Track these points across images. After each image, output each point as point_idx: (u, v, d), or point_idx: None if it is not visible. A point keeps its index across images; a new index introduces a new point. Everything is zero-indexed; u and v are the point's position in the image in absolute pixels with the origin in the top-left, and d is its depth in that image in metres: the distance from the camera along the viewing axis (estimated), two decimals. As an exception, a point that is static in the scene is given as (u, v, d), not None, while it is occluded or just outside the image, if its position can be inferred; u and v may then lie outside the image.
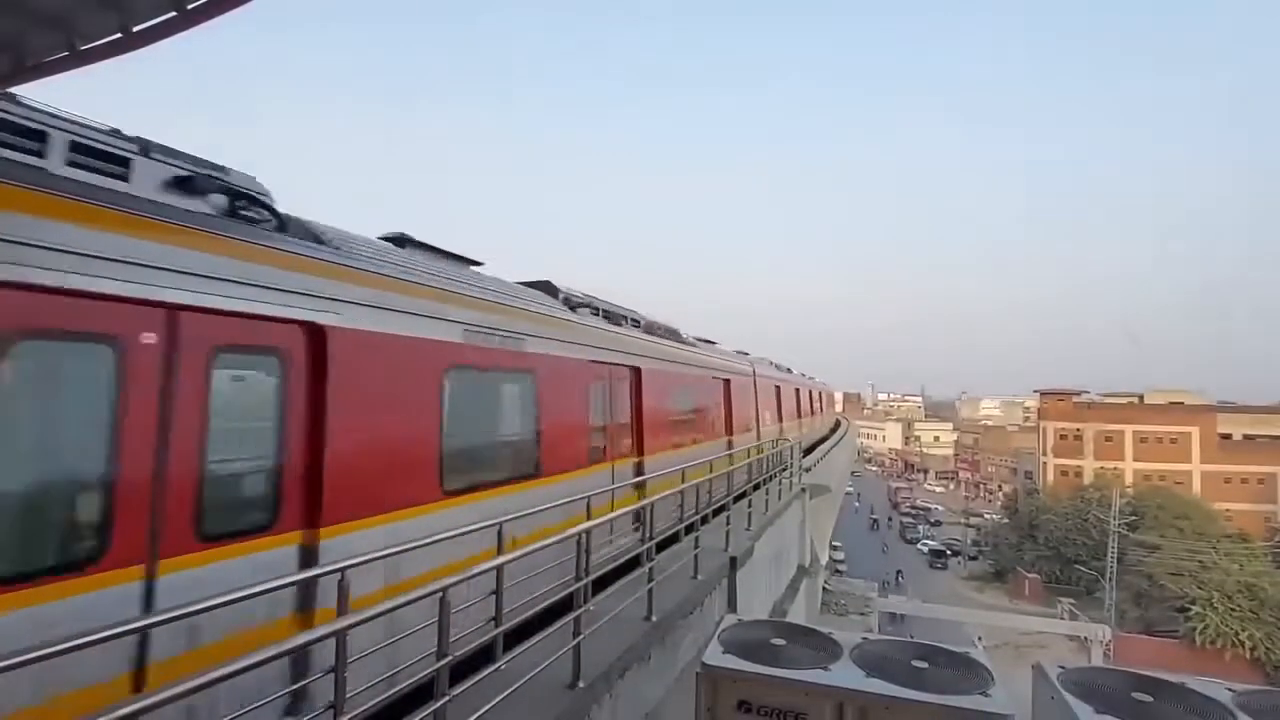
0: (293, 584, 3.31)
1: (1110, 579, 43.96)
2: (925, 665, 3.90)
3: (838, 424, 40.43)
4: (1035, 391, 70.24)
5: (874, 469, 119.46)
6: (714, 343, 16.87)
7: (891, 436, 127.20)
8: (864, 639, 4.36)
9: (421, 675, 3.51)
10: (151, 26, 2.88)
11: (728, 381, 15.72)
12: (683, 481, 8.18)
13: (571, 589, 4.91)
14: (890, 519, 77.20)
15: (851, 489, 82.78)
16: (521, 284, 7.82)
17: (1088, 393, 65.09)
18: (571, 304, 8.27)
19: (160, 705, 2.09)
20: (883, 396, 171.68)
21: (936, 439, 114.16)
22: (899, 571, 53.47)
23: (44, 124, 3.22)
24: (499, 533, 4.73)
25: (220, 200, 3.94)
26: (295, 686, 3.29)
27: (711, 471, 9.64)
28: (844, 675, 3.80)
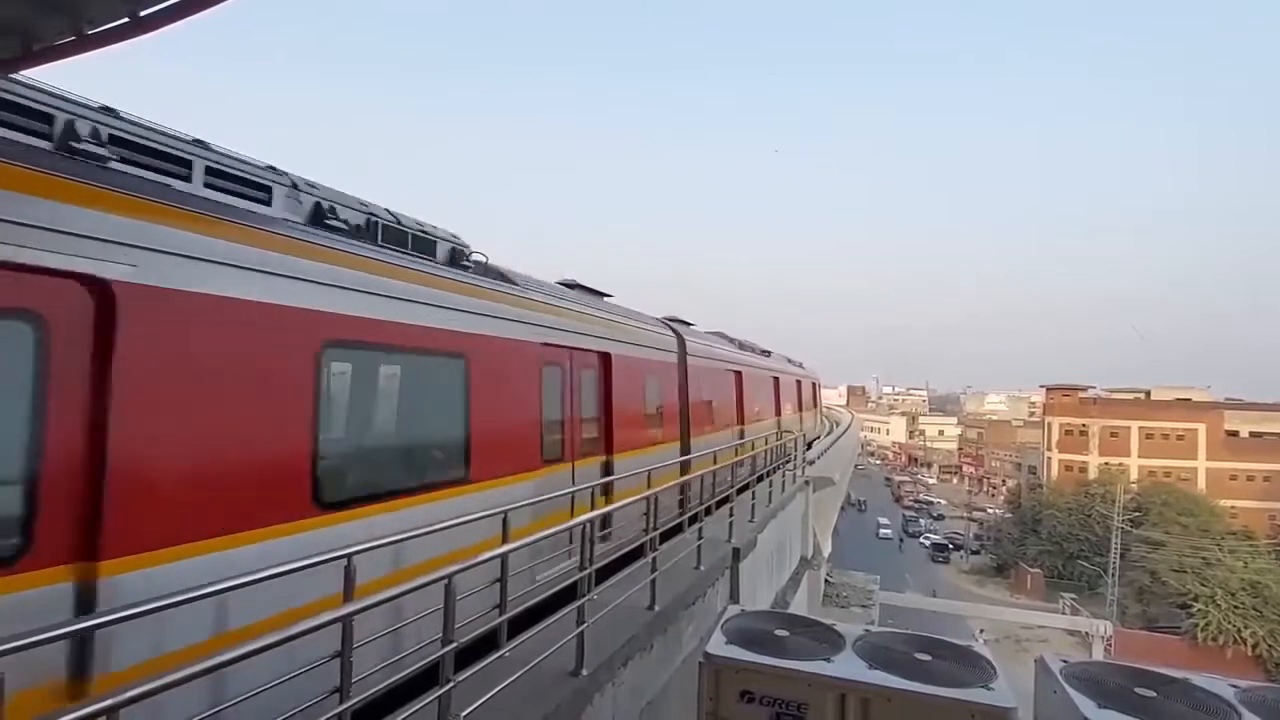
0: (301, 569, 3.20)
1: (1113, 574, 43.96)
2: (928, 658, 3.91)
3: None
4: (1041, 387, 69.87)
5: (877, 462, 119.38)
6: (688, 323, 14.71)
7: (896, 430, 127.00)
8: (866, 631, 4.38)
9: (427, 660, 3.54)
10: (160, 10, 2.86)
11: (739, 374, 15.30)
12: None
13: (575, 578, 4.94)
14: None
15: (889, 530, 64.77)
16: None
17: (1094, 388, 64.72)
18: (499, 273, 6.87)
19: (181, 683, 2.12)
20: (887, 390, 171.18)
21: (941, 433, 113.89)
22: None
23: None
24: (504, 520, 4.77)
25: None
26: (297, 673, 3.32)
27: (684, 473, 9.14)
28: (846, 667, 3.81)
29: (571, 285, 9.00)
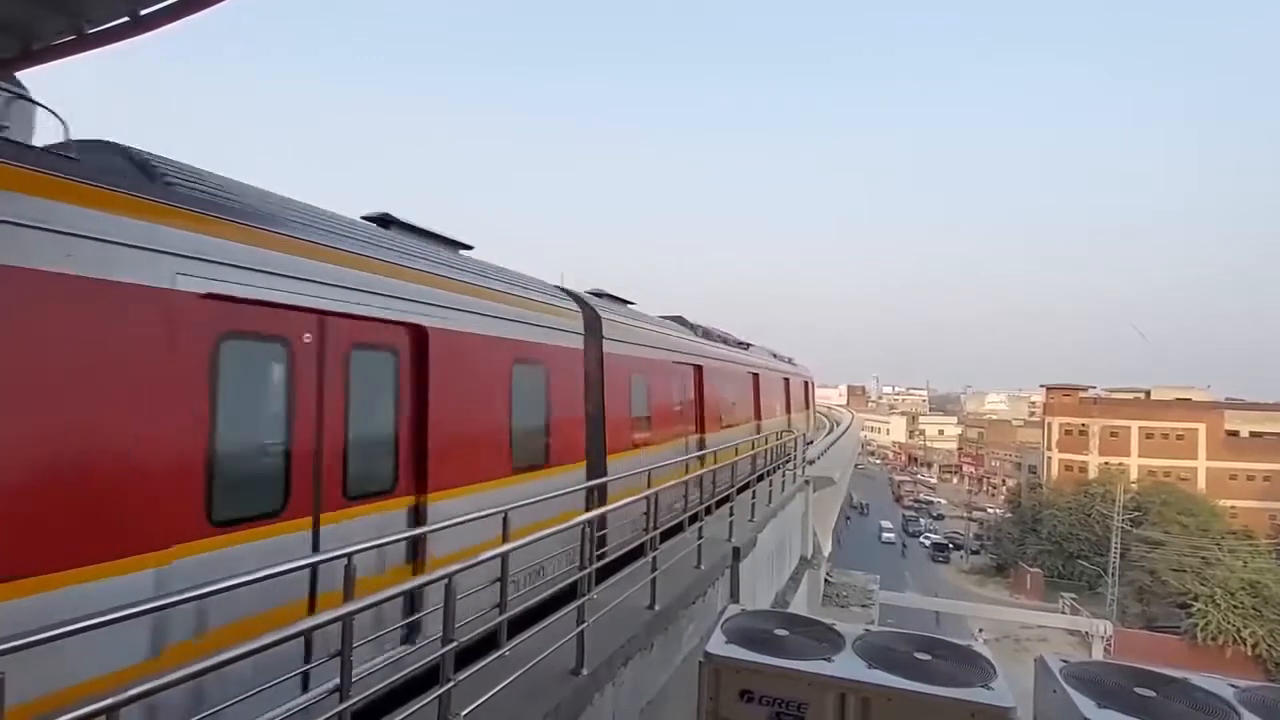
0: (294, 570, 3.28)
1: (1113, 574, 43.96)
2: (927, 657, 3.91)
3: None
4: (1041, 386, 69.88)
5: (878, 462, 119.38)
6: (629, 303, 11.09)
7: (896, 430, 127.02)
8: (866, 630, 4.38)
9: (427, 660, 3.54)
10: (160, 9, 2.86)
11: (699, 369, 12.36)
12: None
13: (575, 578, 4.93)
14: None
15: (892, 535, 60.36)
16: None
17: (1094, 388, 64.78)
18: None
19: (171, 685, 2.13)
20: (887, 390, 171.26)
21: (941, 433, 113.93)
22: None
23: None
24: (504, 519, 4.78)
25: None
26: (301, 670, 3.33)
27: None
28: (846, 666, 3.81)
29: (385, 221, 5.94)
